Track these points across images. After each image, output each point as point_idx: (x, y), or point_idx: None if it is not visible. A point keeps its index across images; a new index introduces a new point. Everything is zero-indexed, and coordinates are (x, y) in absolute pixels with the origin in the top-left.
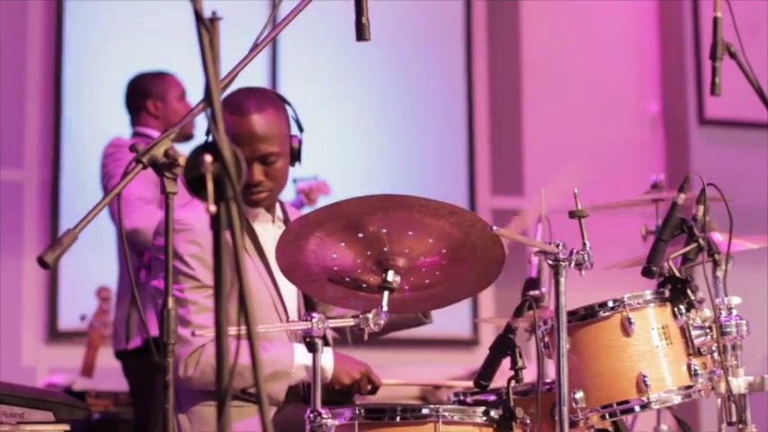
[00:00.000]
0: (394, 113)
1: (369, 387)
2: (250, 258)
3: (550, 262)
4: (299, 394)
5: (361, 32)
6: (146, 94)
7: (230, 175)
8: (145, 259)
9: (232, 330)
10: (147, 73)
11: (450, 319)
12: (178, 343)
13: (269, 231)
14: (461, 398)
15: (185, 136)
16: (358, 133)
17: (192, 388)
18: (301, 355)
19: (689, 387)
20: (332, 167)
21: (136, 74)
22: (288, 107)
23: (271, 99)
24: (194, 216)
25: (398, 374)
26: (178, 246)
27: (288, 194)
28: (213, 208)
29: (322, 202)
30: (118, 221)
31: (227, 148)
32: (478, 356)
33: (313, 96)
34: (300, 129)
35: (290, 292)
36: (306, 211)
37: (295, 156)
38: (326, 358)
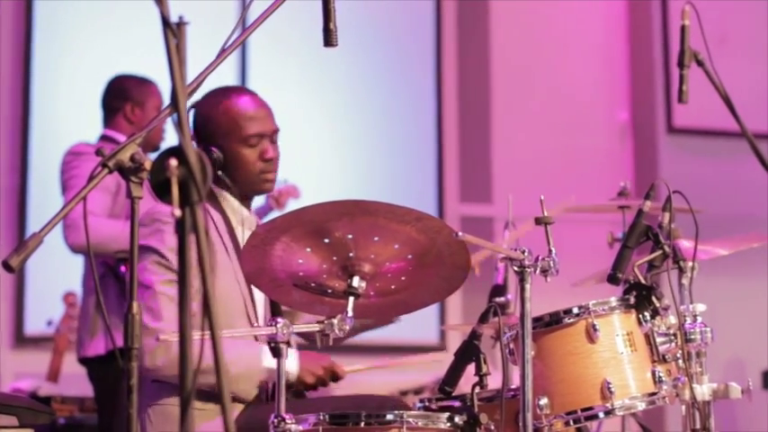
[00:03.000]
0: (363, 120)
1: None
2: (228, 258)
3: (516, 268)
4: (262, 395)
5: (329, 38)
6: (126, 96)
7: (195, 179)
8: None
9: (196, 334)
10: (131, 76)
11: (417, 326)
12: (145, 333)
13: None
14: (426, 404)
15: (153, 146)
16: (327, 139)
17: (157, 378)
18: (269, 358)
19: (653, 394)
20: (300, 173)
21: (119, 74)
22: None
23: None
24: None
25: (363, 381)
26: (164, 236)
27: (257, 199)
28: (178, 212)
29: (291, 205)
30: (65, 236)
31: (192, 152)
32: (445, 363)
33: (282, 102)
34: None
35: (261, 294)
36: (275, 215)
37: None
38: (291, 362)
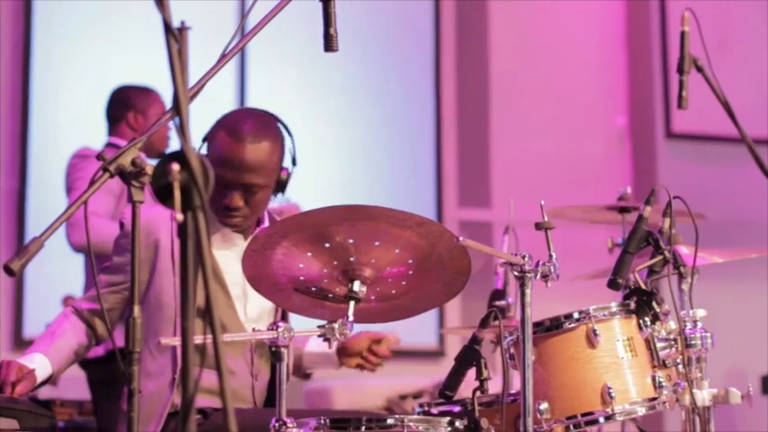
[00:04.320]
0: (362, 125)
1: None
2: (171, 265)
3: (516, 273)
4: (249, 397)
5: (329, 43)
6: (128, 105)
7: (198, 184)
8: None
9: (198, 339)
10: (133, 85)
11: (416, 330)
12: None
13: (233, 251)
14: (426, 408)
15: (158, 152)
16: (326, 144)
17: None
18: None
19: (653, 399)
20: (299, 178)
21: (122, 84)
22: (289, 138)
23: (270, 130)
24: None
25: (362, 386)
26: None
27: None
28: (180, 217)
29: None
30: (68, 235)
31: (194, 157)
32: (444, 368)
33: (281, 107)
34: (294, 163)
35: (255, 312)
36: None
37: (281, 187)
38: None
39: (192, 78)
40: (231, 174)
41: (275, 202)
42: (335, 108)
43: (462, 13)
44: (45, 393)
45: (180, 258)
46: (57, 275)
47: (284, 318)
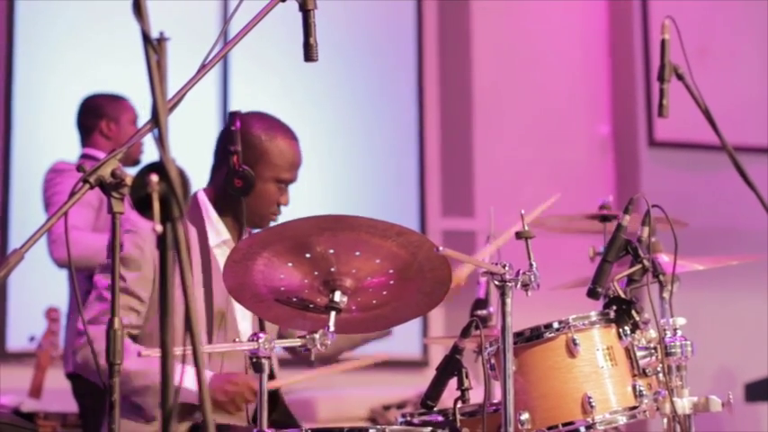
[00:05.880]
0: (345, 134)
1: (252, 397)
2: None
3: (497, 283)
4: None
5: (309, 53)
6: (100, 114)
7: (177, 195)
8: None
9: (178, 350)
10: (102, 94)
11: (399, 340)
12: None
13: None
14: (408, 418)
15: (133, 160)
16: (308, 153)
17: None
18: (187, 379)
19: (634, 408)
20: None
21: (90, 93)
22: None
23: None
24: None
25: (346, 396)
26: (123, 242)
27: None
28: (159, 228)
29: None
30: (51, 252)
31: (173, 167)
32: (428, 378)
33: None
34: None
35: (244, 319)
36: None
37: None
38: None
39: (174, 87)
40: (294, 173)
41: None
42: (318, 117)
43: (444, 24)
44: (28, 406)
45: (159, 270)
46: (40, 287)
47: (262, 327)
